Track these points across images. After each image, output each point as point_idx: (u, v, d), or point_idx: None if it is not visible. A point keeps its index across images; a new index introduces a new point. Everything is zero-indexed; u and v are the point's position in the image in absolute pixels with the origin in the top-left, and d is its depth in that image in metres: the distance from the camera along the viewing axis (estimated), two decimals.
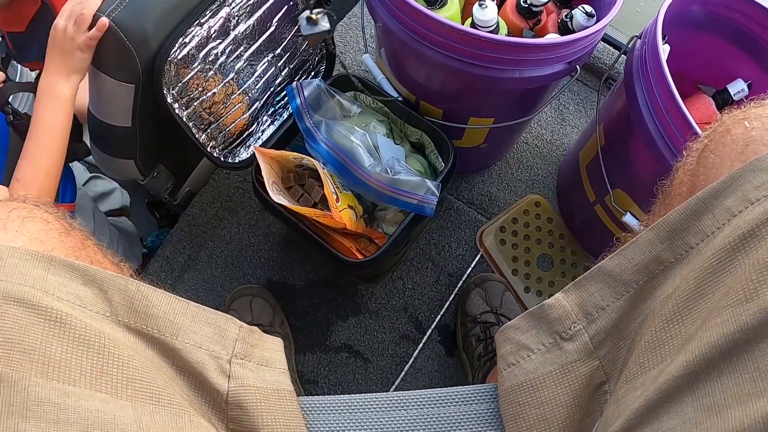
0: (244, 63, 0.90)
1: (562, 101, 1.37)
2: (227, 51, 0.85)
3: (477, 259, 1.25)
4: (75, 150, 0.92)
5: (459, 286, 1.22)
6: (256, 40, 0.90)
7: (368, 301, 1.21)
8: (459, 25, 0.80)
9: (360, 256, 0.95)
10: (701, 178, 0.49)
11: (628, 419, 0.41)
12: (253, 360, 0.55)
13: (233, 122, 0.95)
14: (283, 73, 0.99)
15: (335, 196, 0.96)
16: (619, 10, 0.84)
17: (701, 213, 0.45)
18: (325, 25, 0.91)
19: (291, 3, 0.93)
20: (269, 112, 1.02)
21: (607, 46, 1.37)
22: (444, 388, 0.62)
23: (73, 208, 1.03)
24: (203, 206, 1.26)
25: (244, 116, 0.96)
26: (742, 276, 0.38)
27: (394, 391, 1.16)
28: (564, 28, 0.94)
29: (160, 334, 0.48)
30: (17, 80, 1.11)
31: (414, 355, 1.18)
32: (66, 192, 0.99)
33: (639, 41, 0.86)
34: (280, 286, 1.21)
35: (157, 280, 1.21)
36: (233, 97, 0.92)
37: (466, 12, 1.02)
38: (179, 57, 0.79)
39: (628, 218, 0.93)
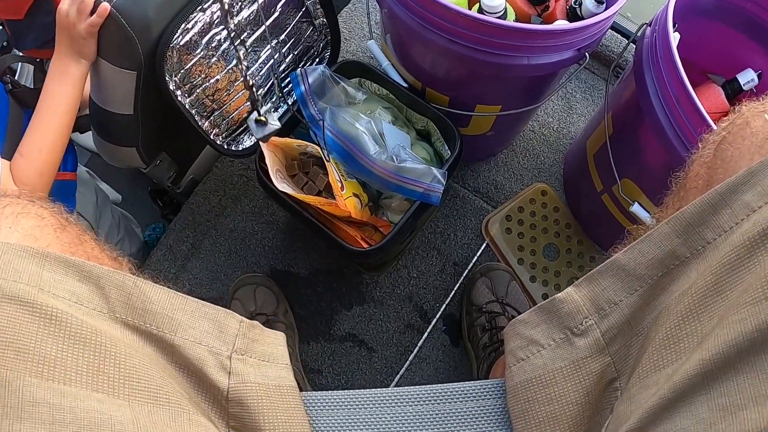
0: (247, 49, 0.88)
1: (569, 89, 1.35)
2: (230, 37, 0.84)
3: (483, 248, 1.24)
4: (77, 122, 0.92)
5: (464, 275, 1.22)
6: (260, 26, 0.88)
7: (373, 290, 1.21)
8: (466, 11, 0.79)
9: (365, 245, 0.95)
10: (719, 171, 0.48)
11: (641, 418, 0.40)
12: (255, 355, 0.54)
13: (236, 109, 0.94)
14: (287, 60, 0.98)
15: (340, 184, 0.95)
16: None
17: (719, 207, 0.44)
18: (274, 123, 0.92)
19: None
20: (273, 99, 1.01)
21: (615, 33, 1.35)
22: (449, 384, 0.61)
23: (75, 177, 1.02)
24: (206, 194, 1.25)
25: (248, 103, 0.95)
26: (761, 273, 0.37)
27: (399, 380, 1.16)
28: (572, 15, 0.92)
29: (159, 331, 0.48)
30: (17, 76, 1.11)
31: (419, 345, 1.17)
32: (67, 161, 0.99)
33: (649, 29, 0.84)
34: (284, 275, 1.21)
35: (161, 269, 1.22)
36: (237, 84, 0.90)
37: None
38: (181, 43, 0.77)
39: (636, 208, 0.91)
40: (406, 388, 0.61)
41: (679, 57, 0.73)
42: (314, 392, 0.62)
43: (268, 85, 0.97)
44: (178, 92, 0.82)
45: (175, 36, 0.76)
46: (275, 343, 0.58)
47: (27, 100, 0.89)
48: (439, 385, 0.61)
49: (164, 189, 1.23)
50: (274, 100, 1.01)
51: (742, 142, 0.47)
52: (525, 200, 1.25)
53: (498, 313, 1.08)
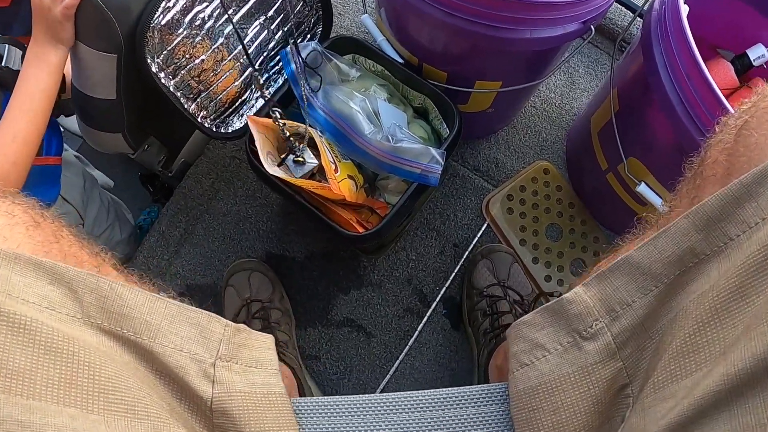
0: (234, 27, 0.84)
1: (571, 64, 1.30)
2: (215, 14, 0.80)
3: (483, 228, 1.20)
4: (61, 105, 0.88)
5: (465, 256, 1.18)
6: (246, 2, 0.84)
7: (371, 274, 1.17)
8: None
9: (361, 229, 0.91)
10: (741, 159, 0.44)
11: None
12: (241, 361, 0.51)
13: (224, 90, 0.90)
14: (276, 37, 0.93)
15: (334, 166, 0.91)
16: None
17: (743, 200, 0.40)
18: (312, 160, 0.89)
19: None
20: (263, 79, 0.96)
21: (620, 6, 1.29)
22: (450, 389, 0.58)
23: (59, 162, 0.99)
24: (198, 178, 1.22)
25: (236, 83, 0.91)
26: None
27: (399, 365, 1.13)
28: None
29: (137, 337, 0.44)
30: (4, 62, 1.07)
31: (418, 329, 1.15)
32: (51, 144, 0.95)
33: (657, 1, 0.80)
34: (279, 259, 1.18)
35: (154, 256, 1.19)
36: (223, 63, 0.86)
37: None
38: (163, 23, 0.73)
39: (642, 189, 0.88)
40: (404, 393, 0.58)
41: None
42: (305, 398, 0.59)
43: (257, 63, 0.92)
44: (162, 74, 0.78)
45: (156, 15, 0.72)
46: (263, 347, 0.55)
47: (8, 82, 0.85)
48: (439, 390, 0.58)
49: (155, 174, 1.19)
50: (264, 78, 0.96)
51: None
52: (527, 179, 1.22)
53: (499, 296, 1.05)
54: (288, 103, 0.99)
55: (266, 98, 0.88)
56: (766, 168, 0.38)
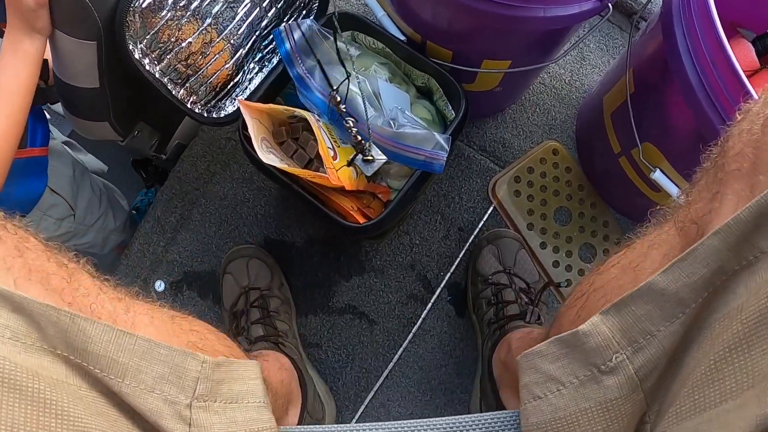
0: (222, 6, 0.78)
1: (580, 34, 1.23)
2: None
3: (489, 211, 1.16)
4: (45, 93, 0.84)
5: (470, 241, 1.15)
6: None
7: (373, 259, 1.14)
8: None
9: (361, 219, 0.87)
10: None
11: None
12: (220, 398, 0.47)
13: (215, 73, 0.85)
14: (269, 14, 0.88)
15: (332, 153, 0.86)
16: None
17: None
18: (380, 158, 0.85)
19: None
20: (256, 59, 0.91)
21: None
22: (457, 417, 0.55)
23: (46, 153, 0.95)
24: (193, 161, 1.17)
25: (227, 66, 0.85)
26: None
27: (402, 353, 1.11)
28: None
29: (104, 375, 0.41)
30: None
31: (422, 316, 1.12)
32: (36, 135, 0.91)
33: None
34: (278, 245, 1.14)
35: (150, 243, 1.16)
36: (213, 45, 0.81)
37: None
38: (144, 5, 0.68)
39: (658, 176, 0.83)
40: (404, 422, 0.54)
41: None
42: (293, 428, 0.55)
43: (249, 44, 0.87)
44: (146, 60, 0.73)
45: None
46: (246, 377, 0.52)
47: None
48: (445, 418, 0.55)
49: (148, 158, 1.15)
50: (257, 59, 0.91)
51: None
52: (535, 160, 1.17)
53: (505, 285, 1.02)
54: (284, 84, 0.94)
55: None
56: None
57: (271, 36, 0.88)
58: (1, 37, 0.86)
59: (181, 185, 1.17)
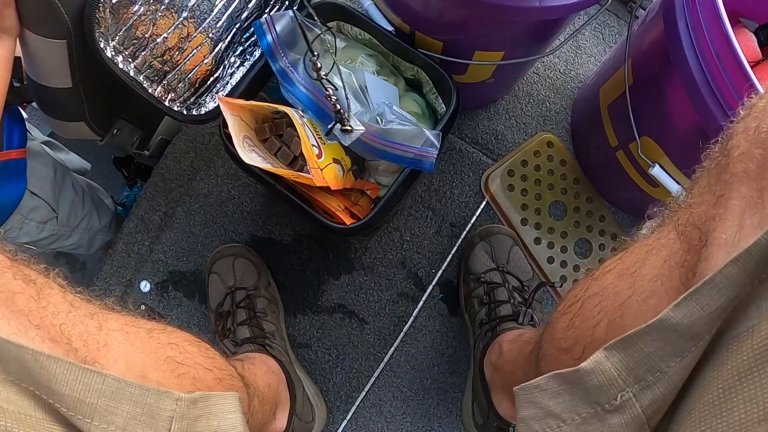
0: None
1: (575, 25, 1.19)
2: None
3: (482, 206, 1.13)
4: (21, 92, 0.80)
5: (462, 237, 1.12)
6: None
7: (362, 256, 1.11)
8: None
9: (348, 220, 0.84)
10: None
11: None
12: None
13: (194, 69, 0.81)
14: (249, 6, 0.83)
15: (317, 151, 0.83)
16: None
17: None
18: (359, 127, 0.81)
19: None
20: (237, 53, 0.87)
21: None
22: None
23: (23, 155, 0.91)
24: (177, 157, 1.13)
25: (206, 60, 0.81)
26: None
27: (394, 352, 1.08)
28: None
29: (71, 414, 0.37)
30: None
31: (414, 315, 1.09)
32: (13, 137, 0.87)
33: None
34: (265, 243, 1.11)
35: (134, 242, 1.12)
36: (190, 39, 0.77)
37: None
38: (114, 0, 0.64)
39: (656, 171, 0.80)
40: None
41: None
42: None
43: (229, 38, 0.83)
44: (119, 58, 0.69)
45: None
46: (224, 411, 0.48)
47: None
48: None
49: (130, 156, 1.11)
50: (238, 53, 0.87)
51: None
52: (529, 152, 1.13)
53: (497, 284, 0.99)
54: (267, 79, 0.90)
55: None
56: None
57: (253, 28, 0.83)
58: None
59: (164, 183, 1.13)
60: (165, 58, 0.75)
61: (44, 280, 0.48)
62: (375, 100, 0.88)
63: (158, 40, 0.73)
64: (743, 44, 0.78)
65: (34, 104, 1.02)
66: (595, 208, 1.10)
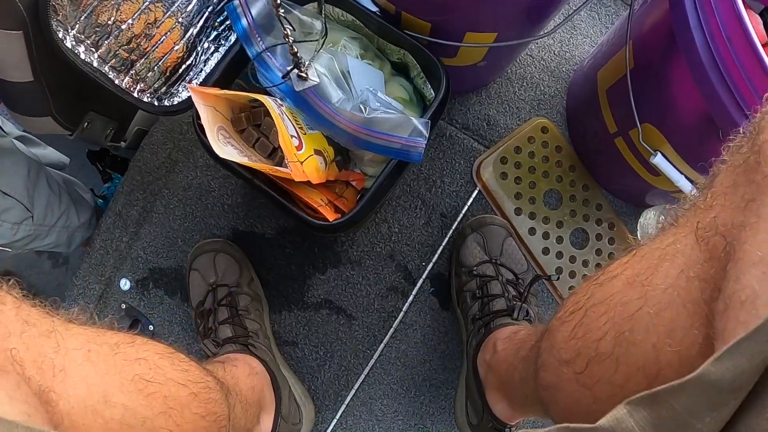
0: None
1: (571, 5, 1.14)
2: None
3: (474, 195, 1.08)
4: None
5: (453, 228, 1.07)
6: None
7: (349, 250, 1.06)
8: None
9: (331, 216, 0.79)
10: None
11: None
12: None
13: (164, 56, 0.75)
14: None
15: (297, 142, 0.77)
16: None
17: None
18: (314, 78, 0.77)
19: None
20: (211, 38, 0.81)
21: None
22: None
23: None
24: (154, 148, 1.08)
25: (177, 47, 0.76)
26: None
27: (384, 348, 1.04)
28: None
29: None
30: None
31: (404, 309, 1.05)
32: None
33: None
34: (247, 237, 1.06)
35: (112, 239, 1.07)
36: (159, 24, 0.71)
37: None
38: None
39: (658, 160, 0.76)
40: None
41: None
42: None
43: (201, 22, 0.77)
44: (81, 48, 0.64)
45: None
46: None
47: None
48: None
49: (105, 149, 1.05)
50: (212, 38, 0.81)
51: None
52: (522, 138, 1.08)
53: (490, 277, 0.94)
54: (244, 64, 0.85)
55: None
56: None
57: (227, 12, 0.78)
58: None
59: (142, 176, 1.07)
60: (131, 46, 0.70)
61: (2, 288, 0.44)
62: (358, 86, 0.83)
63: (123, 26, 0.68)
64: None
65: None
66: (591, 197, 1.05)
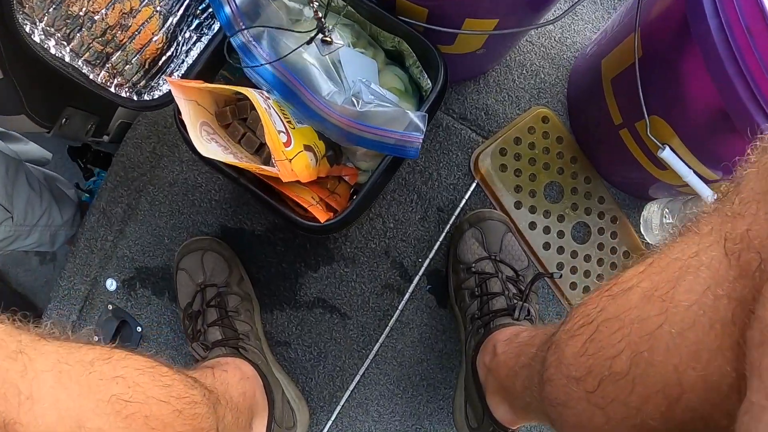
0: None
1: None
2: None
3: (472, 188, 1.04)
4: None
5: (451, 222, 1.03)
6: None
7: (342, 246, 1.02)
8: None
9: (322, 215, 0.75)
10: None
11: None
12: None
13: (142, 48, 0.70)
14: None
15: (285, 138, 0.73)
16: None
17: None
18: (339, 42, 0.73)
19: None
20: (192, 27, 0.76)
21: None
22: None
23: None
24: (138, 143, 1.03)
25: (156, 37, 0.71)
26: None
27: (379, 348, 1.01)
28: None
29: None
30: None
31: (400, 308, 1.01)
32: None
33: None
34: (236, 234, 1.02)
35: (96, 238, 1.02)
36: (135, 14, 0.66)
37: None
38: None
39: (666, 154, 0.72)
40: None
41: None
42: None
43: (180, 10, 0.73)
44: (51, 42, 0.60)
45: None
46: None
47: None
48: None
49: (87, 145, 1.01)
50: (194, 27, 0.77)
51: None
52: (522, 129, 1.04)
53: (490, 274, 0.91)
54: (230, 53, 0.80)
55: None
56: None
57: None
58: None
59: (125, 172, 1.03)
60: (106, 37, 0.65)
61: None
62: (350, 77, 0.78)
63: (96, 17, 0.63)
64: None
65: None
66: (593, 189, 1.01)
